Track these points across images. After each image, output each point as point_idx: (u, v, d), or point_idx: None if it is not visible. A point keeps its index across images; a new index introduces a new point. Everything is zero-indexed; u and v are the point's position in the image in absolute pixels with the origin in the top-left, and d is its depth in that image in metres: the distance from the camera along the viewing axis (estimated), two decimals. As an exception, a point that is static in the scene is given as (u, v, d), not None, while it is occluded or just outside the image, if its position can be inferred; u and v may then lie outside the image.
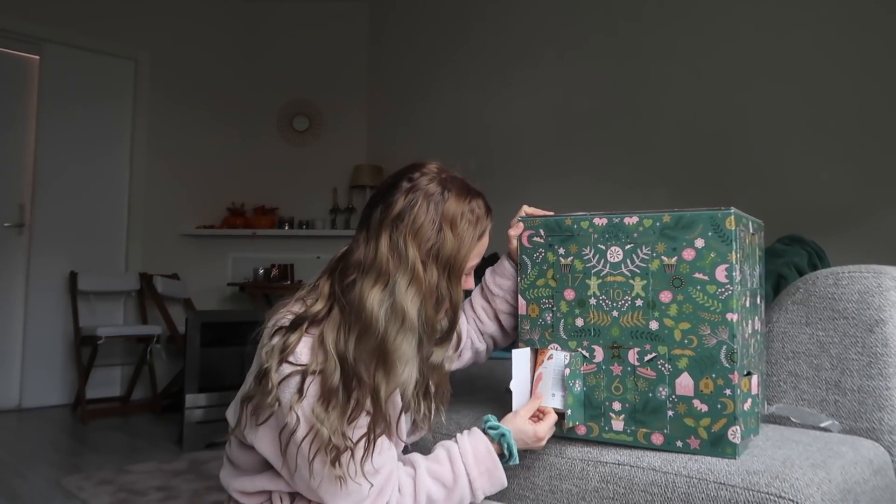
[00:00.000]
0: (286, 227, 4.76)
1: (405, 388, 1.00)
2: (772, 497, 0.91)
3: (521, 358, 1.16)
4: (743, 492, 0.94)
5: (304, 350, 0.95)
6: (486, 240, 1.09)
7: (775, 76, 2.91)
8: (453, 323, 1.08)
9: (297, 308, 1.01)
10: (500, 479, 1.05)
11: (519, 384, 1.15)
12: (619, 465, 1.07)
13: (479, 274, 1.24)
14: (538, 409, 1.12)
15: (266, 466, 1.04)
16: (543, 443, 1.09)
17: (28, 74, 4.13)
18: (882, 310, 1.22)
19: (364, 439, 0.94)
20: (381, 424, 0.96)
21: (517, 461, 1.07)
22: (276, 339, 0.96)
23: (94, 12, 4.31)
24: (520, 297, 1.21)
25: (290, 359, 0.94)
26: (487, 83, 4.19)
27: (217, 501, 2.33)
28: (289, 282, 4.38)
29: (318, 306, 0.99)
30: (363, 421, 0.95)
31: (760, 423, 1.23)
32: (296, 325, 0.97)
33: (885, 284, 1.23)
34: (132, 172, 4.43)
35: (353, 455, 0.92)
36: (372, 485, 0.95)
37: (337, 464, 0.90)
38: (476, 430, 1.07)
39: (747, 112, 2.99)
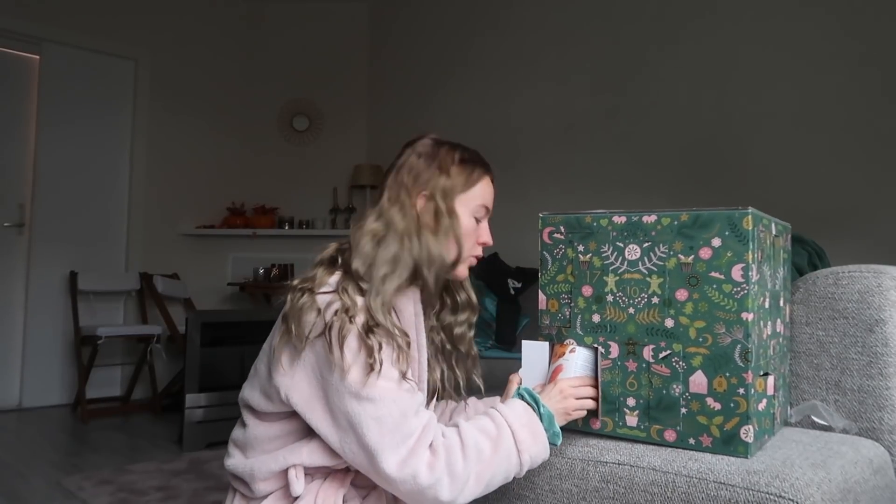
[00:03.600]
0: (286, 227, 4.75)
1: (386, 293, 1.05)
2: (772, 497, 0.92)
3: (533, 350, 1.19)
4: (743, 491, 0.94)
5: (334, 280, 1.05)
6: (484, 188, 1.16)
7: (776, 76, 2.91)
8: (458, 254, 1.13)
9: (310, 272, 1.10)
10: (542, 438, 1.05)
11: (529, 375, 1.18)
12: (619, 464, 1.07)
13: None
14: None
15: (285, 442, 1.06)
16: (573, 401, 1.11)
17: (28, 74, 4.13)
18: (882, 309, 1.22)
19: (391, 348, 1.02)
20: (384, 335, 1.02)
21: (556, 429, 1.07)
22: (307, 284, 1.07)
23: (94, 12, 4.31)
24: (540, 292, 1.22)
25: (325, 288, 1.04)
26: (488, 83, 4.19)
27: (217, 501, 2.33)
28: (289, 281, 4.37)
29: (329, 251, 1.13)
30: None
31: (783, 425, 1.23)
32: (322, 263, 1.10)
33: (885, 284, 1.23)
34: (132, 172, 4.43)
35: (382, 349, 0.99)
36: (415, 417, 0.99)
37: (377, 357, 0.97)
38: (510, 398, 1.11)
39: (748, 112, 2.99)
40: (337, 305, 1.00)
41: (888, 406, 1.20)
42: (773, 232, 1.14)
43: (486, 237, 1.18)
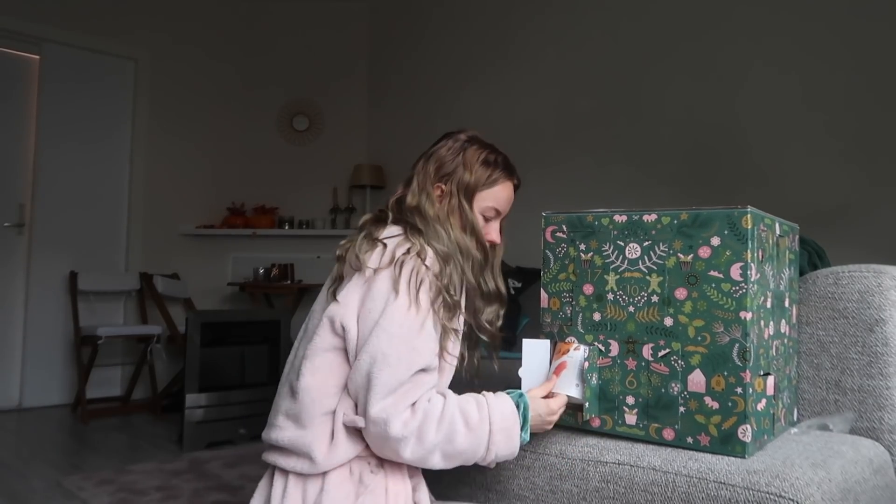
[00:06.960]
0: (286, 227, 4.75)
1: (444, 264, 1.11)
2: (772, 496, 0.91)
3: (533, 348, 1.20)
4: (743, 491, 0.94)
5: (394, 230, 1.13)
6: (502, 190, 1.23)
7: (775, 76, 2.91)
8: (486, 252, 1.19)
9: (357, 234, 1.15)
10: (515, 445, 1.07)
11: (529, 372, 1.19)
12: (619, 464, 1.07)
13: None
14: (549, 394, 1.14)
15: (337, 391, 1.06)
16: (554, 418, 1.11)
17: (28, 74, 4.13)
18: (882, 309, 1.22)
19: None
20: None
21: (527, 437, 1.08)
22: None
23: (94, 12, 4.31)
24: (542, 290, 1.23)
25: (385, 234, 1.11)
26: (487, 83, 4.19)
27: (217, 501, 2.33)
28: (289, 281, 4.38)
29: (368, 217, 1.20)
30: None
31: (788, 426, 1.22)
32: (368, 223, 1.16)
33: (885, 284, 1.23)
34: (132, 172, 4.43)
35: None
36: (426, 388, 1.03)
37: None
38: (502, 393, 1.11)
39: (747, 112, 2.98)
40: (406, 245, 1.07)
41: (888, 406, 1.20)
42: (778, 232, 1.14)
43: (493, 236, 1.22)
